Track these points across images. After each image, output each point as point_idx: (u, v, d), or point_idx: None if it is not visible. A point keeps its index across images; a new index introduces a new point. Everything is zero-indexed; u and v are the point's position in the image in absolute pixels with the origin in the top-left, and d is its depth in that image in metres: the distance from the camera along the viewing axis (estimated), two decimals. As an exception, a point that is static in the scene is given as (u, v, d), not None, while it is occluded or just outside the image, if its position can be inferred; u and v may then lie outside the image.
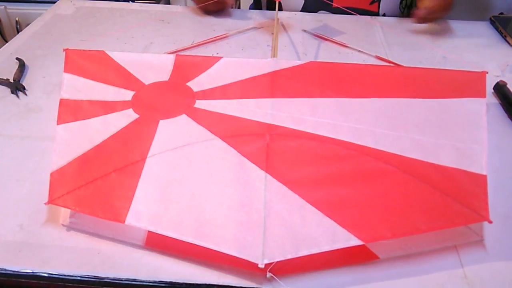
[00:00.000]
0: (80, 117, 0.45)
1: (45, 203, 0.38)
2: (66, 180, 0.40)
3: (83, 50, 0.51)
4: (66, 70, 0.48)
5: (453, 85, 0.44)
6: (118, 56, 0.52)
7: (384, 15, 0.81)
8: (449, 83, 0.45)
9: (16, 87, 0.57)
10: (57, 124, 0.43)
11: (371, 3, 0.80)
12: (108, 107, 0.46)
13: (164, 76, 0.51)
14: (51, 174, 0.40)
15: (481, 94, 0.42)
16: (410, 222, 0.35)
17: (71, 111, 0.45)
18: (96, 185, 0.39)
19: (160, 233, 0.36)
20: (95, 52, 0.52)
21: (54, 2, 0.82)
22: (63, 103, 0.45)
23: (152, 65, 0.53)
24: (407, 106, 0.44)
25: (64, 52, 0.49)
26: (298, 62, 0.50)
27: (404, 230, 0.35)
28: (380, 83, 0.47)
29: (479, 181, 0.37)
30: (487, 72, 0.43)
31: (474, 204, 0.36)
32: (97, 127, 0.44)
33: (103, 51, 0.52)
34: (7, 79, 0.58)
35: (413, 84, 0.46)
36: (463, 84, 0.44)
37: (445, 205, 0.36)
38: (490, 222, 0.35)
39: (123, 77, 0.50)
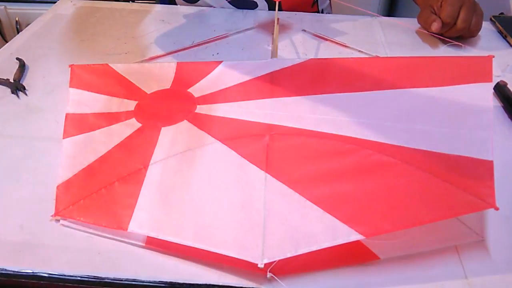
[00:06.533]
0: (85, 130, 0.45)
1: (51, 216, 0.39)
2: (71, 192, 0.40)
3: (88, 64, 0.52)
4: (71, 85, 0.49)
5: (458, 71, 0.43)
6: (121, 68, 0.53)
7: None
8: (453, 70, 0.44)
9: (16, 87, 0.57)
10: (63, 138, 0.44)
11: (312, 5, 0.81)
12: (112, 118, 0.47)
13: (166, 84, 0.52)
14: (57, 187, 0.41)
15: (487, 78, 0.41)
16: (413, 214, 0.35)
17: (76, 125, 0.46)
18: (100, 195, 0.40)
19: (161, 238, 0.36)
20: (98, 66, 0.52)
21: (54, 2, 0.82)
22: (69, 118, 0.46)
23: (154, 74, 0.53)
24: (410, 97, 0.43)
25: (70, 68, 0.50)
26: (298, 60, 0.50)
27: (406, 223, 0.35)
28: (382, 75, 0.46)
29: (485, 167, 0.36)
30: (493, 56, 0.42)
31: (480, 191, 0.35)
32: (102, 139, 0.45)
33: (106, 64, 0.53)
34: (7, 79, 0.58)
35: (416, 74, 0.45)
36: (468, 70, 0.43)
37: (449, 194, 0.36)
38: (497, 208, 0.34)
39: (126, 88, 0.51)
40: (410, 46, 0.68)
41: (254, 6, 0.80)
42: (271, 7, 0.80)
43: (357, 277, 0.35)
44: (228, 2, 0.80)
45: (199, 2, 0.82)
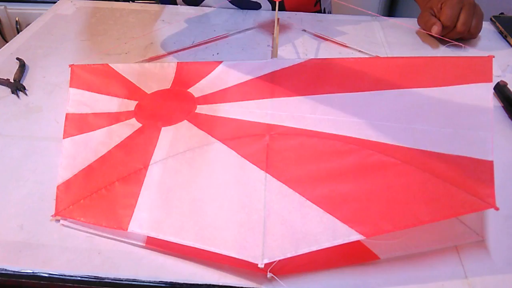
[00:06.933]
0: (86, 130, 0.45)
1: (51, 216, 0.39)
2: (72, 192, 0.40)
3: (88, 64, 0.52)
4: (71, 85, 0.49)
5: (458, 71, 0.43)
6: (121, 68, 0.53)
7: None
8: (453, 70, 0.43)
9: (17, 87, 0.57)
10: (63, 138, 0.44)
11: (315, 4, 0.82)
12: (112, 118, 0.47)
13: (166, 84, 0.52)
14: (58, 187, 0.41)
15: (487, 78, 0.41)
16: (413, 214, 0.35)
17: (76, 124, 0.46)
18: (100, 195, 0.40)
19: (161, 238, 0.36)
20: (99, 66, 0.52)
21: (54, 2, 0.82)
22: (69, 118, 0.46)
23: (155, 74, 0.53)
24: (410, 97, 0.43)
25: (70, 68, 0.50)
26: (298, 60, 0.50)
27: (406, 223, 0.35)
28: (382, 76, 0.46)
29: (485, 167, 0.36)
30: (493, 56, 0.41)
31: (480, 191, 0.35)
32: (102, 139, 0.45)
33: (107, 64, 0.53)
34: (8, 79, 0.58)
35: (416, 74, 0.45)
36: (468, 70, 0.43)
37: (449, 194, 0.36)
38: (497, 209, 0.34)
39: (126, 88, 0.51)
40: (410, 46, 0.68)
41: (257, 7, 0.80)
42: (274, 8, 0.80)
43: (357, 277, 0.35)
44: (232, 3, 0.80)
45: (201, 4, 0.82)
